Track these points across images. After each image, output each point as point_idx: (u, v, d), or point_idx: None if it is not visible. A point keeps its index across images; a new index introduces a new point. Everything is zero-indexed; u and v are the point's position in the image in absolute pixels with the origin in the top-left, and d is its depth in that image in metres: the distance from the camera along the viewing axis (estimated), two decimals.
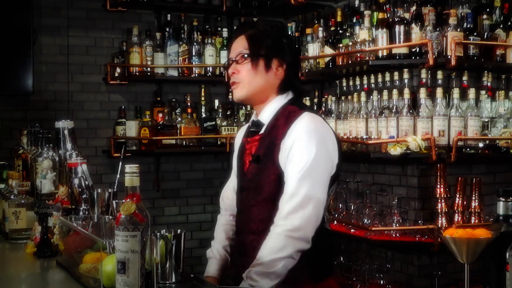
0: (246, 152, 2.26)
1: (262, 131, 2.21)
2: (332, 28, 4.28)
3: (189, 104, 4.89)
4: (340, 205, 4.03)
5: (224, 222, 2.43)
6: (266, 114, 2.22)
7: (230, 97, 5.04)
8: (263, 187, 2.14)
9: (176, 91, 5.01)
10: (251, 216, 2.18)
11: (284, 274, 2.01)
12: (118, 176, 2.36)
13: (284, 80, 2.22)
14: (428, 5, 3.64)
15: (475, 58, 3.61)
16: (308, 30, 4.43)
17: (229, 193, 2.45)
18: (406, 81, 3.65)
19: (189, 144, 4.76)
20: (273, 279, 1.99)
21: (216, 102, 4.99)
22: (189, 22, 4.83)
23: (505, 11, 3.76)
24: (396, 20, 3.65)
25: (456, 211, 3.56)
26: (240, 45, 2.22)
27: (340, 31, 4.16)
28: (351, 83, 4.07)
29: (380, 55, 3.72)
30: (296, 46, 4.59)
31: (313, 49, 4.30)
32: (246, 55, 2.19)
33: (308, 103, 4.38)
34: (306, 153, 2.05)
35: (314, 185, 2.05)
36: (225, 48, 4.82)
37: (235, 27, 4.98)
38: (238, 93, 2.23)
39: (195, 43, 4.78)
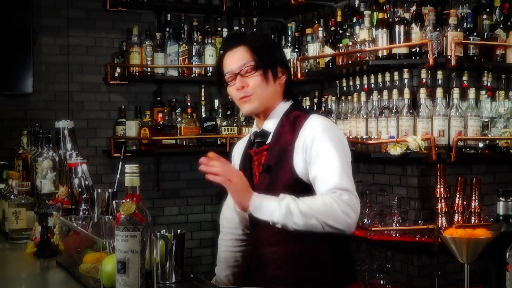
0: (254, 164, 2.21)
1: (268, 140, 2.18)
2: (332, 28, 4.28)
3: (189, 104, 4.89)
4: None
5: (224, 249, 2.38)
6: (271, 123, 2.19)
7: (230, 97, 5.03)
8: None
9: (176, 91, 5.01)
10: (268, 228, 2.09)
11: (304, 229, 1.96)
12: (118, 176, 2.36)
13: (286, 87, 2.21)
14: (428, 5, 3.64)
15: (475, 58, 3.61)
16: (308, 30, 4.43)
17: (228, 214, 2.38)
18: (406, 81, 3.65)
19: (189, 144, 4.76)
20: (292, 221, 1.95)
21: (216, 102, 4.99)
22: (189, 22, 4.83)
23: (505, 11, 3.76)
24: (396, 20, 3.65)
25: (456, 211, 3.56)
26: (243, 56, 2.15)
27: (340, 31, 4.17)
28: (351, 83, 4.07)
29: (380, 55, 3.72)
30: (295, 47, 4.60)
31: (313, 49, 4.30)
32: (255, 67, 2.14)
33: (308, 103, 4.38)
34: (332, 150, 2.02)
35: (351, 180, 2.03)
36: None
37: (235, 27, 4.99)
38: (249, 107, 2.18)
39: (195, 43, 4.78)
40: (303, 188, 2.06)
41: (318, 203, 1.97)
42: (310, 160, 2.05)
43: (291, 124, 2.13)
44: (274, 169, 2.12)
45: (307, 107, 4.34)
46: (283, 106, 2.20)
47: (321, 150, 2.03)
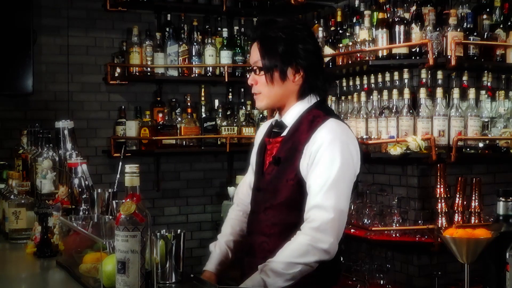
0: (267, 152, 2.23)
1: (284, 133, 2.18)
2: (332, 28, 4.28)
3: (189, 104, 4.88)
4: None
5: (233, 217, 2.41)
6: (290, 116, 2.18)
7: (230, 97, 5.05)
8: (280, 191, 2.12)
9: (176, 91, 5.01)
10: (265, 218, 2.15)
11: (298, 278, 2.00)
12: (118, 176, 2.36)
13: (302, 86, 2.17)
14: (428, 5, 3.64)
15: (475, 58, 3.61)
16: None
17: (244, 189, 2.42)
18: (406, 81, 3.65)
19: (189, 144, 4.76)
20: (285, 281, 1.99)
21: (216, 102, 4.99)
22: (189, 22, 4.83)
23: (505, 11, 3.76)
24: (396, 20, 3.65)
25: (456, 211, 3.56)
26: (255, 54, 2.17)
27: (340, 31, 4.17)
28: (351, 83, 4.07)
29: (380, 55, 3.72)
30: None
31: None
32: (260, 68, 2.16)
33: None
34: (332, 164, 2.03)
35: (339, 197, 2.03)
36: (225, 48, 4.82)
37: (235, 27, 4.99)
38: (259, 104, 2.22)
39: (195, 43, 4.78)
40: (303, 187, 2.09)
41: (287, 252, 2.01)
42: (310, 168, 2.07)
43: (309, 123, 2.12)
44: (282, 162, 2.13)
45: None
46: (304, 103, 2.18)
47: (321, 161, 2.04)
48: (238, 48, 4.86)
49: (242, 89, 5.03)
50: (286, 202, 2.11)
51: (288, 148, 2.14)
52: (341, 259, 2.31)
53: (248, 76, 2.24)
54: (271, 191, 2.15)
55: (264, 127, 2.39)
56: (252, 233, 2.23)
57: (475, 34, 3.59)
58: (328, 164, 2.03)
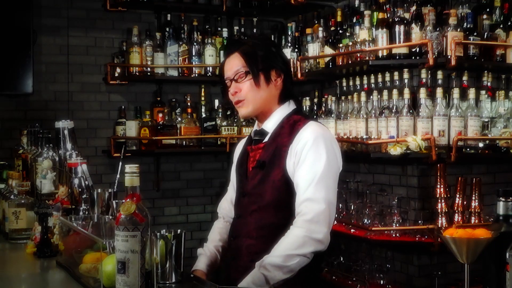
0: (249, 160, 2.30)
1: (266, 139, 2.26)
2: (332, 28, 4.28)
3: (189, 104, 4.89)
4: (340, 205, 4.02)
5: (221, 226, 2.47)
6: (271, 123, 2.27)
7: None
8: (267, 192, 2.18)
9: (176, 91, 5.01)
10: (251, 221, 2.21)
11: (296, 270, 2.05)
12: (118, 176, 2.36)
13: (283, 90, 2.28)
14: (428, 5, 3.64)
15: (475, 58, 3.61)
16: (308, 30, 4.43)
17: (226, 205, 2.50)
18: (406, 81, 3.65)
19: (189, 144, 4.76)
20: (285, 273, 2.04)
21: (216, 102, 4.99)
22: (189, 22, 4.83)
23: (505, 11, 3.76)
24: (396, 20, 3.65)
25: (456, 211, 3.56)
26: (236, 63, 2.24)
27: (340, 31, 4.16)
28: (351, 83, 4.07)
29: (380, 55, 3.72)
30: (295, 47, 4.60)
31: (313, 49, 4.30)
32: (245, 72, 2.22)
33: (308, 103, 4.38)
34: (318, 160, 2.12)
35: (328, 189, 2.12)
36: (225, 48, 4.82)
37: (235, 27, 4.99)
38: (244, 111, 2.28)
39: (195, 43, 4.78)
40: (290, 187, 2.16)
41: (284, 245, 2.06)
42: (297, 166, 2.14)
43: (290, 127, 2.21)
44: (267, 166, 2.20)
45: (307, 107, 4.35)
46: (284, 109, 2.28)
47: (307, 159, 2.12)
48: None
49: None
50: (274, 202, 2.17)
51: (272, 152, 2.21)
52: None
53: (228, 90, 2.29)
54: (257, 194, 2.21)
55: (241, 144, 2.47)
56: (238, 237, 2.27)
57: (475, 34, 3.59)
58: (315, 160, 2.12)
